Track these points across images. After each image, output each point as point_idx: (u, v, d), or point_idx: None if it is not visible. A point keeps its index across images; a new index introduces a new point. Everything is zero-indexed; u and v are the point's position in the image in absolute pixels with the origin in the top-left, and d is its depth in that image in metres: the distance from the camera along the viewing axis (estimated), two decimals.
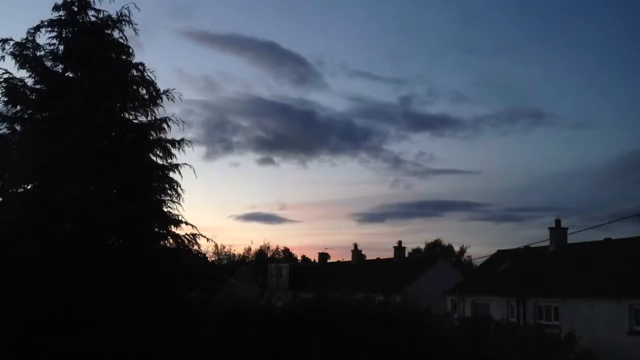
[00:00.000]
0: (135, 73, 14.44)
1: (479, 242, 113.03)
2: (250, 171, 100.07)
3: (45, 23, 13.83)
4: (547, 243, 31.44)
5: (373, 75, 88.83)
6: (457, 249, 75.64)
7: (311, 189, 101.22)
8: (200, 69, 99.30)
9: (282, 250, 78.74)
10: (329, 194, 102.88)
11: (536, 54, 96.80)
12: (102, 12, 14.21)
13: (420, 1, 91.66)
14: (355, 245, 51.24)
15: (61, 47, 14.05)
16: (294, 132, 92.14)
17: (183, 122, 14.62)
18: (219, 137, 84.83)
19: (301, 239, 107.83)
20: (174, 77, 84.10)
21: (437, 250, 72.81)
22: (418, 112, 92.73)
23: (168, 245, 14.54)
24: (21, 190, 13.55)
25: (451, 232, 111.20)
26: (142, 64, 14.46)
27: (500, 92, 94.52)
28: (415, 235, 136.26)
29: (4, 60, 13.40)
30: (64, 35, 14.03)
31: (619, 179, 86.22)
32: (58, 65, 14.09)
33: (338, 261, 56.41)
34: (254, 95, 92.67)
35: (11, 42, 13.47)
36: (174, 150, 14.62)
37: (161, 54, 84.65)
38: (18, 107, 13.65)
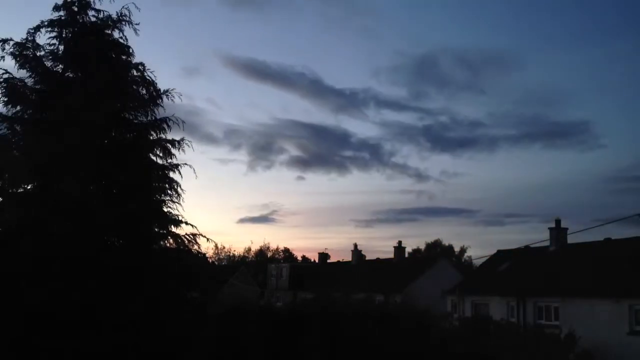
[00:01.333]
0: (135, 73, 14.44)
1: (477, 244, 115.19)
2: (288, 184, 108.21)
3: (45, 23, 13.83)
4: (547, 243, 31.46)
5: (401, 104, 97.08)
6: (457, 249, 75.73)
7: (332, 199, 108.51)
8: (255, 101, 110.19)
9: (282, 250, 78.81)
10: (342, 202, 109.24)
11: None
12: (102, 12, 14.22)
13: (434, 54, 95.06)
14: (355, 246, 51.25)
15: (61, 47, 14.04)
16: (328, 151, 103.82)
17: (183, 122, 14.62)
18: (263, 154, 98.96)
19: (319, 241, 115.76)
20: (232, 109, 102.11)
21: (437, 250, 72.83)
22: (440, 135, 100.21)
23: (168, 245, 14.54)
24: (21, 190, 13.55)
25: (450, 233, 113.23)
26: (142, 64, 14.47)
27: (511, 117, 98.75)
28: (416, 237, 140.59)
29: (4, 60, 13.41)
30: (64, 35, 14.03)
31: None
32: (58, 65, 14.08)
33: (338, 261, 56.43)
34: (296, 120, 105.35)
35: (11, 42, 13.47)
36: (174, 150, 14.62)
37: (227, 88, 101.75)
38: (18, 107, 13.64)
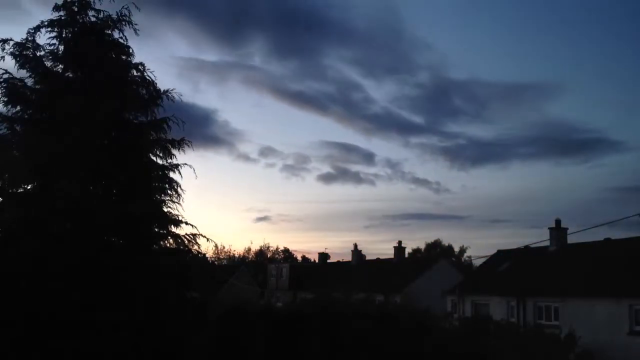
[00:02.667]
0: (135, 73, 14.46)
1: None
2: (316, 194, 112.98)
3: (45, 23, 13.84)
4: (547, 243, 31.46)
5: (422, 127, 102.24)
6: (457, 249, 75.72)
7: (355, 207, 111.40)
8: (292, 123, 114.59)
9: (282, 250, 78.79)
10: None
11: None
12: (102, 12, 14.23)
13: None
14: (355, 245, 51.23)
15: (61, 47, 14.05)
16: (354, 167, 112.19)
17: (183, 122, 14.63)
18: (296, 167, 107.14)
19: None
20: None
21: (437, 251, 72.82)
22: (458, 155, 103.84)
23: (168, 245, 14.54)
24: (21, 190, 13.55)
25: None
26: (142, 64, 14.49)
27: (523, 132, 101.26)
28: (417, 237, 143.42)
29: (4, 60, 13.42)
30: (64, 35, 14.04)
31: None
32: (58, 66, 14.09)
33: (338, 261, 56.39)
34: (327, 140, 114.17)
35: (11, 42, 13.49)
36: (174, 150, 14.63)
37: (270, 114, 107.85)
38: (18, 107, 13.65)
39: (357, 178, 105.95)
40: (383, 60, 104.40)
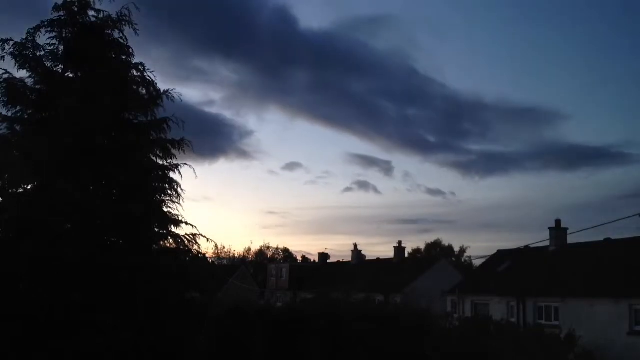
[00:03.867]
0: (135, 73, 14.45)
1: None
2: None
3: (45, 23, 13.82)
4: (547, 243, 31.45)
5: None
6: (457, 249, 75.72)
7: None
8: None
9: (282, 250, 78.77)
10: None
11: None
12: (102, 13, 14.21)
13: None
14: (355, 245, 51.22)
15: (61, 48, 14.03)
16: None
17: (183, 122, 14.63)
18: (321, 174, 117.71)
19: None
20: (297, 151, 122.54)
21: (437, 251, 72.83)
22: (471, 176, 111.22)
23: (168, 245, 14.54)
24: (21, 190, 13.55)
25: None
26: (142, 64, 14.48)
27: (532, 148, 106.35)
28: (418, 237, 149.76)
29: (4, 60, 13.38)
30: (64, 35, 14.02)
31: None
32: (58, 66, 14.08)
33: (338, 261, 56.41)
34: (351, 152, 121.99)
35: (11, 42, 13.46)
36: (173, 150, 14.62)
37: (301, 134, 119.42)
38: (18, 107, 13.64)
39: (375, 188, 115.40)
40: (400, 89, 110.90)
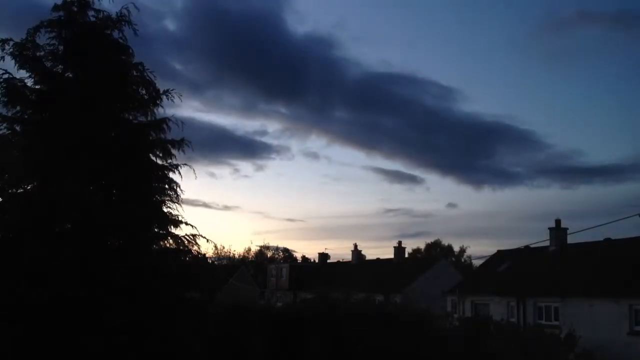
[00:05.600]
0: (135, 73, 14.44)
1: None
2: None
3: (45, 23, 13.81)
4: (547, 243, 31.46)
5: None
6: (457, 249, 75.72)
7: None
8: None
9: (282, 250, 78.75)
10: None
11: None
12: (101, 13, 14.20)
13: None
14: (355, 245, 51.24)
15: (61, 48, 14.02)
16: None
17: (182, 122, 14.64)
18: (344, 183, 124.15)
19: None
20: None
21: (437, 250, 72.83)
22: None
23: (168, 245, 14.54)
24: (21, 190, 13.55)
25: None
26: (141, 64, 14.46)
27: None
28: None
29: (3, 60, 13.36)
30: (63, 35, 14.01)
31: None
32: (58, 66, 14.06)
33: (338, 261, 56.43)
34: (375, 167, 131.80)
35: (11, 42, 13.44)
36: (173, 151, 14.62)
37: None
38: (18, 108, 13.62)
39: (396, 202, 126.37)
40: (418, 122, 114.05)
